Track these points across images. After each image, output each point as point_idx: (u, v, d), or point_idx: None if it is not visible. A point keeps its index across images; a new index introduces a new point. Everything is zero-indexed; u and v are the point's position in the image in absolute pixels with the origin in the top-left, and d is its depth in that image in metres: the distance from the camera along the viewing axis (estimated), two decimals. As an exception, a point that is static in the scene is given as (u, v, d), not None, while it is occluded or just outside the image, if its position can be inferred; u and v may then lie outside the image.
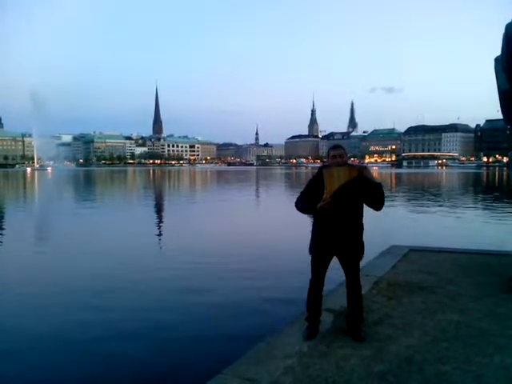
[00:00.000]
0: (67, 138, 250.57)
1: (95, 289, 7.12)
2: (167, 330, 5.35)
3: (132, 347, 4.90)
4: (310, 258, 3.92)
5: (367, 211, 3.82)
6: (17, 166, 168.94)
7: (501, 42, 5.15)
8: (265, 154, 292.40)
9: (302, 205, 3.83)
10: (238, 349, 4.02)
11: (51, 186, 48.19)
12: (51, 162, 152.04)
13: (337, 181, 3.61)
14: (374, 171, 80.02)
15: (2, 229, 14.73)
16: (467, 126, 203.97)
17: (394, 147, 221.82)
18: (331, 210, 3.63)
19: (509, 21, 5.03)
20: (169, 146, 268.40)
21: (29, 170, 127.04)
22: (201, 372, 3.91)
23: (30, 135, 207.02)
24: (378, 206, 3.73)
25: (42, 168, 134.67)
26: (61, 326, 5.51)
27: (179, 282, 7.52)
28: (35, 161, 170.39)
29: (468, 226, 14.04)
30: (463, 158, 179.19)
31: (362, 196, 3.70)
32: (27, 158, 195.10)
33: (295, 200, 3.89)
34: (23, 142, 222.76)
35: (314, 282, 3.89)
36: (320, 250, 3.82)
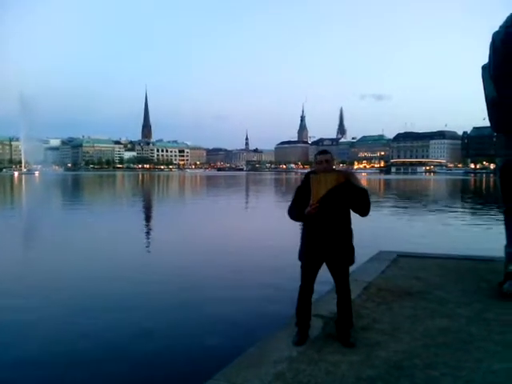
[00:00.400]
0: (55, 142, 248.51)
1: (82, 295, 7.04)
2: (158, 338, 5.31)
3: (123, 355, 4.85)
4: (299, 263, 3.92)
5: (353, 217, 3.83)
6: (4, 170, 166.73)
7: (488, 50, 5.22)
8: (255, 159, 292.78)
9: (293, 212, 3.85)
10: (233, 355, 3.98)
11: (36, 190, 47.62)
12: (39, 166, 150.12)
13: (324, 186, 3.63)
14: (363, 177, 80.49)
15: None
16: (455, 133, 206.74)
17: (382, 153, 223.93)
18: (319, 215, 3.65)
19: (496, 29, 5.11)
20: (158, 150, 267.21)
21: (16, 174, 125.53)
22: (193, 378, 3.88)
23: (17, 139, 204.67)
24: (363, 211, 3.75)
25: (30, 172, 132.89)
26: (56, 330, 5.45)
27: (173, 287, 7.46)
28: (23, 165, 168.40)
29: (455, 232, 14.17)
30: (451, 165, 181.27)
31: (349, 201, 3.73)
32: (15, 162, 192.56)
33: (287, 208, 3.91)
34: (11, 145, 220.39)
35: (304, 287, 3.89)
36: (309, 256, 3.82)
